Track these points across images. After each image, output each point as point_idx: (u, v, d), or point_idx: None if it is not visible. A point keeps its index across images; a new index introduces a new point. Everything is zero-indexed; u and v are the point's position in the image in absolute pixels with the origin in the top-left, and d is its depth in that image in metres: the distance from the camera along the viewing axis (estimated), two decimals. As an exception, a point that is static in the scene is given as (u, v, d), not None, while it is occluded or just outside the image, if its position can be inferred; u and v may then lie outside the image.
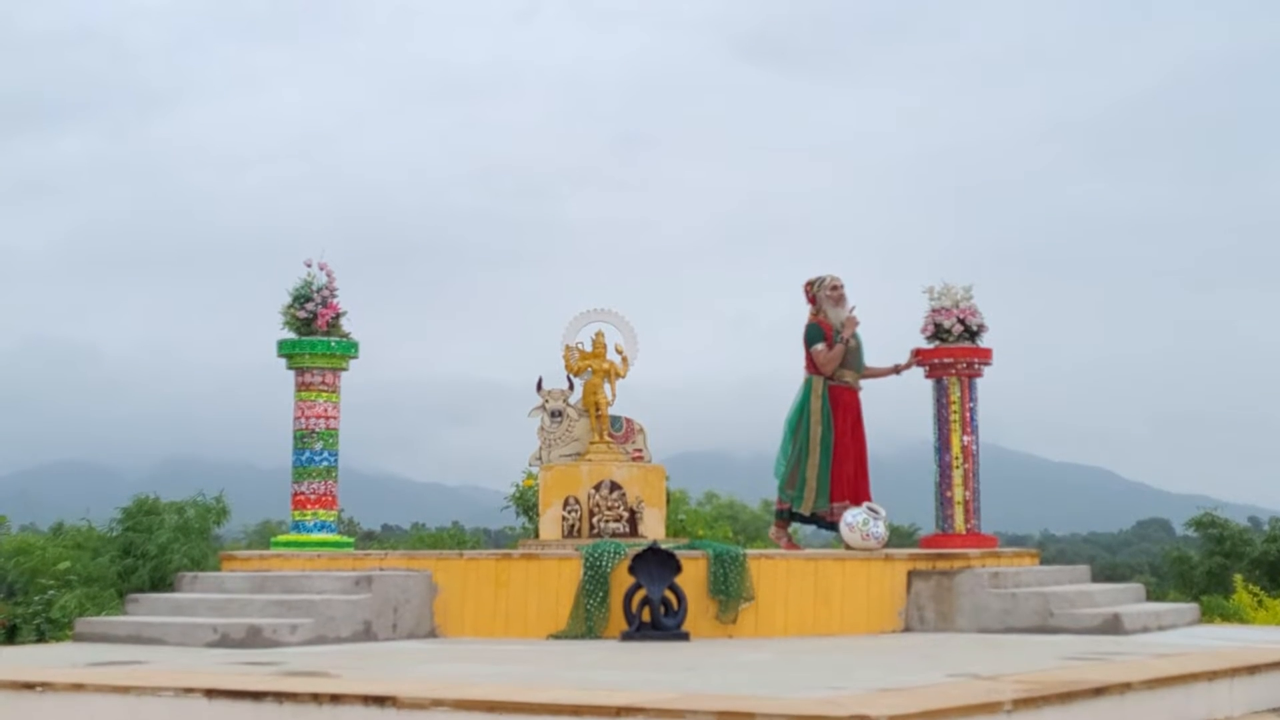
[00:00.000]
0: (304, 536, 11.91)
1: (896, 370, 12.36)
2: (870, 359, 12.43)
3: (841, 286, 12.28)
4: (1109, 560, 45.68)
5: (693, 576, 10.38)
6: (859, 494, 11.99)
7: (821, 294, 12.27)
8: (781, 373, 12.94)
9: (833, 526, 12.00)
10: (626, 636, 10.05)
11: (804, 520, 12.34)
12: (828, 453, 12.01)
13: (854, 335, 12.20)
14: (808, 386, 12.17)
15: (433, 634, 10.45)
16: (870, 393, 12.45)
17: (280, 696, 6.29)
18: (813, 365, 12.14)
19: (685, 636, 10.09)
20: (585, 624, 10.26)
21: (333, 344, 12.04)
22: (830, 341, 12.09)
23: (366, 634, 9.99)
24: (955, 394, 12.09)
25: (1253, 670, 7.67)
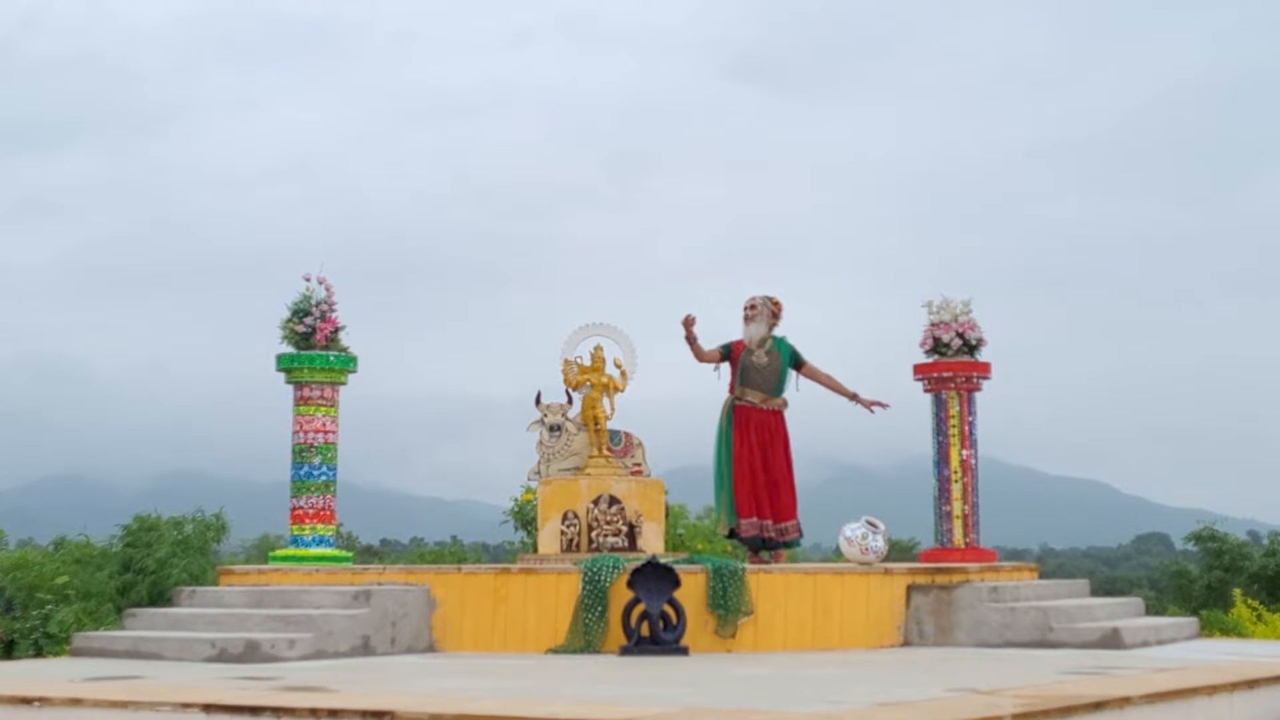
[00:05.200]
0: (302, 551, 11.91)
1: (854, 398, 12.11)
2: (867, 374, 12.39)
3: (748, 306, 12.03)
4: (1108, 574, 45.65)
5: (692, 591, 10.37)
6: (780, 511, 11.80)
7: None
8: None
9: (743, 543, 11.88)
10: (625, 651, 10.03)
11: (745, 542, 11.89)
12: (728, 472, 11.83)
13: (770, 354, 11.93)
14: (721, 408, 12.08)
15: (431, 648, 10.43)
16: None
17: (278, 711, 6.27)
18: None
19: (684, 651, 10.07)
20: (584, 638, 10.24)
21: (331, 358, 12.05)
22: (735, 359, 11.96)
23: (365, 648, 9.98)
24: (954, 408, 12.09)
25: (1252, 684, 7.66)
